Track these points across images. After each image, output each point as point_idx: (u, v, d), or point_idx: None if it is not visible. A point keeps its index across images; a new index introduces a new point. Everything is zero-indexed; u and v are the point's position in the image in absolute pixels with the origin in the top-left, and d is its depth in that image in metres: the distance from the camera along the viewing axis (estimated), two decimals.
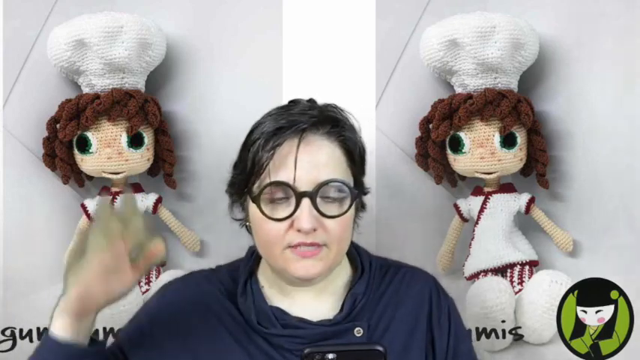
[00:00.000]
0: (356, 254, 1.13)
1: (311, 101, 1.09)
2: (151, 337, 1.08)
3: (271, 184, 1.01)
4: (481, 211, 1.59)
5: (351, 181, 1.06)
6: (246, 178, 1.04)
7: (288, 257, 1.03)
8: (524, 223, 1.63)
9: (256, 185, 1.03)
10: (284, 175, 1.01)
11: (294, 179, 1.00)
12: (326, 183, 1.01)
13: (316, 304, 1.10)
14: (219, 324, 1.08)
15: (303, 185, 1.01)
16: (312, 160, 1.02)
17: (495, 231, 1.58)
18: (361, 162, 1.10)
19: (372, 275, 1.11)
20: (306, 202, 1.00)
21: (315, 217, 1.01)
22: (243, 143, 1.08)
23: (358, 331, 1.06)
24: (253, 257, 1.13)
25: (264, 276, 1.12)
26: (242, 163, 1.06)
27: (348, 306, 1.07)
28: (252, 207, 1.04)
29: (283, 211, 1.01)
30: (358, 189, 1.08)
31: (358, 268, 1.12)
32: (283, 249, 1.02)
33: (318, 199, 1.01)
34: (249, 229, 1.10)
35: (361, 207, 1.12)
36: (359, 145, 1.09)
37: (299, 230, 1.01)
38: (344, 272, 1.13)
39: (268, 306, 1.08)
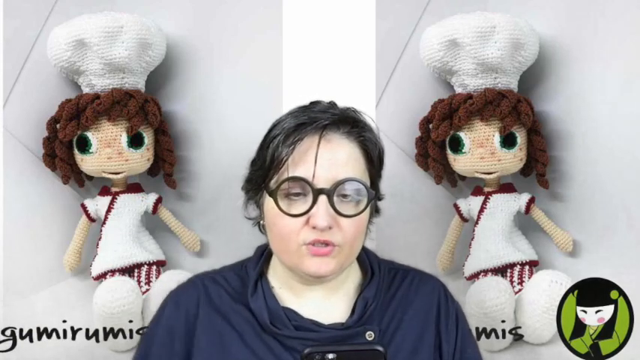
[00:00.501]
0: (365, 257, 1.13)
1: (331, 103, 1.09)
2: (171, 347, 1.08)
3: (289, 179, 1.01)
4: (481, 211, 1.59)
5: (368, 182, 1.05)
6: (264, 174, 1.04)
7: (303, 254, 1.02)
8: (524, 223, 1.63)
9: (274, 180, 1.03)
10: (303, 170, 1.01)
11: (313, 175, 1.00)
12: (344, 181, 1.01)
13: (327, 305, 1.09)
14: (228, 325, 1.07)
15: (321, 182, 1.00)
16: (332, 158, 1.02)
17: (495, 231, 1.58)
18: (379, 164, 1.09)
19: (382, 279, 1.11)
20: (323, 199, 1.00)
21: (331, 215, 1.00)
22: (262, 140, 1.07)
23: (369, 335, 1.06)
24: (263, 257, 1.13)
25: (274, 276, 1.11)
26: (260, 160, 1.06)
27: (359, 310, 1.07)
28: (268, 202, 1.04)
29: (300, 207, 1.01)
30: (374, 191, 1.07)
31: (367, 271, 1.12)
32: (298, 246, 1.02)
33: (335, 198, 1.00)
34: (261, 229, 1.10)
35: (375, 212, 1.11)
36: (378, 147, 1.08)
37: (314, 227, 1.00)
38: (354, 275, 1.12)
39: (280, 307, 1.07)
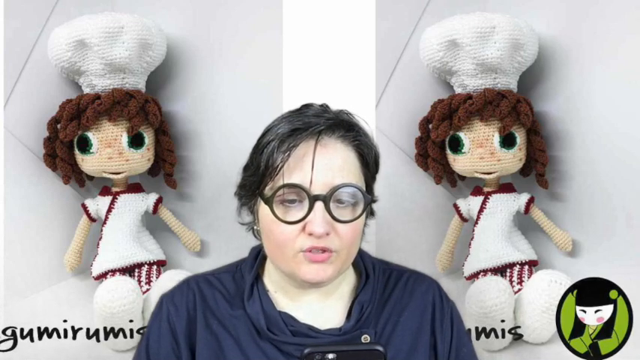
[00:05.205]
0: (359, 259, 1.11)
1: (323, 106, 1.07)
2: (177, 349, 1.07)
3: (285, 185, 0.99)
4: (481, 211, 1.60)
5: (363, 186, 1.04)
6: (258, 180, 1.02)
7: (299, 260, 1.01)
8: (524, 223, 1.64)
9: (269, 187, 1.01)
10: (299, 177, 0.99)
11: (310, 182, 0.99)
12: (341, 187, 0.99)
13: (322, 309, 1.08)
14: (224, 329, 1.06)
15: (317, 188, 0.98)
16: (328, 164, 1.00)
17: (495, 231, 1.58)
18: (375, 167, 1.08)
19: (377, 281, 1.10)
20: (319, 205, 0.98)
21: (327, 222, 0.99)
22: (255, 145, 1.06)
23: (365, 338, 1.05)
24: (258, 260, 1.11)
25: (269, 279, 1.10)
26: (254, 165, 1.04)
27: (355, 314, 1.06)
28: (263, 209, 1.02)
29: (296, 214, 0.99)
30: (369, 195, 1.06)
31: (362, 273, 1.11)
32: (295, 253, 1.01)
33: (331, 204, 0.99)
34: (255, 234, 1.09)
35: (371, 214, 1.10)
36: (373, 150, 1.07)
37: (311, 234, 0.99)
38: (349, 277, 1.11)
39: (277, 311, 1.06)
